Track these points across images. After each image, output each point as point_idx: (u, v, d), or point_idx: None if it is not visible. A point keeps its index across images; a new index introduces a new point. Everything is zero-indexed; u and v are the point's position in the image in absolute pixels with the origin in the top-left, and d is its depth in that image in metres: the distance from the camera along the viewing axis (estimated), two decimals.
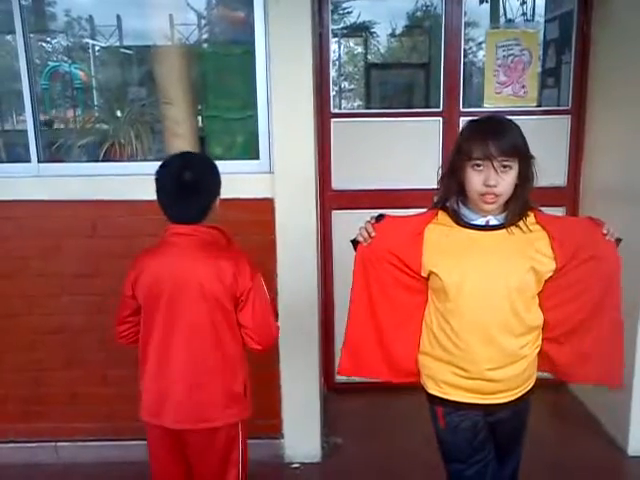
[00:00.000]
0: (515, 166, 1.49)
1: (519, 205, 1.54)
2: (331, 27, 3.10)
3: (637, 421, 2.64)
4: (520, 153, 1.49)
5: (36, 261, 2.59)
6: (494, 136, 1.46)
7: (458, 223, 1.57)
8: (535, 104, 3.11)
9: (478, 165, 1.47)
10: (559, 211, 3.09)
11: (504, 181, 1.47)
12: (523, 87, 3.08)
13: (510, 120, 1.53)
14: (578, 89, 3.07)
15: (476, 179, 1.48)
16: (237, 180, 2.46)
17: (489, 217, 1.55)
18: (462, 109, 3.07)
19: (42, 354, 2.65)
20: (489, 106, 3.08)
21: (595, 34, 2.97)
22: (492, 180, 1.46)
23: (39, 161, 2.59)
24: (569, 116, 3.10)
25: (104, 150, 2.71)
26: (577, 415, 2.98)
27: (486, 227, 1.55)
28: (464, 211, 1.57)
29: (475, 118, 1.56)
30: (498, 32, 3.14)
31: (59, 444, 2.71)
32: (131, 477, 2.57)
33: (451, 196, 1.58)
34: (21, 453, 2.69)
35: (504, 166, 1.47)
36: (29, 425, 2.71)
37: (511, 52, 3.05)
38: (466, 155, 1.49)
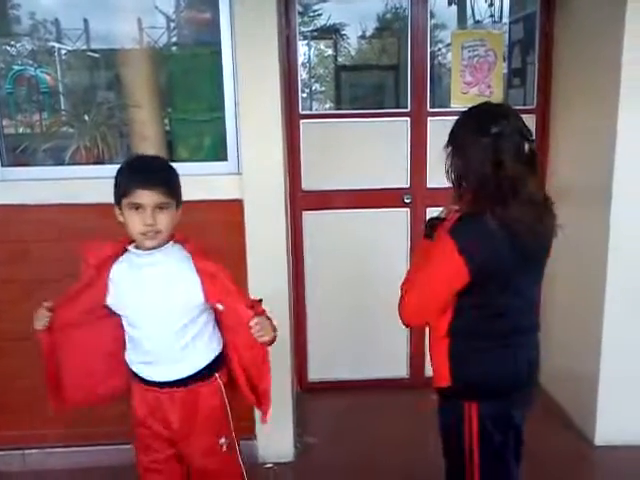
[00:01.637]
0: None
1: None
2: (301, 29, 3.13)
3: (603, 412, 2.70)
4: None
5: (2, 267, 2.56)
6: None
7: None
8: None
9: None
10: None
11: None
12: (489, 87, 3.13)
13: None
14: (542, 89, 3.14)
15: None
16: (205, 181, 2.46)
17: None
18: (429, 109, 3.11)
19: (8, 361, 2.61)
20: (456, 106, 3.12)
21: (557, 35, 3.04)
22: None
23: (3, 165, 2.56)
24: (534, 115, 3.16)
25: (70, 153, 2.68)
26: (545, 407, 3.01)
27: None
28: None
29: None
30: (463, 33, 3.19)
31: (26, 451, 2.67)
32: None
33: None
34: None
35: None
36: None
37: (476, 53, 3.09)
38: None
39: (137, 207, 1.54)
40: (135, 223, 1.55)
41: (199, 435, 1.72)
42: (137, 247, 1.63)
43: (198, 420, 1.71)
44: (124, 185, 1.56)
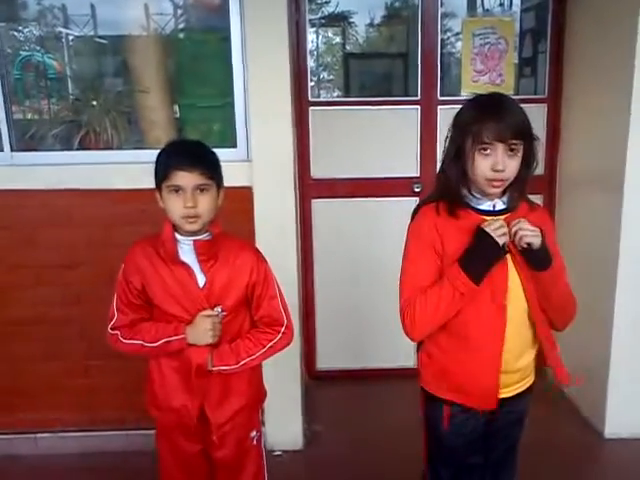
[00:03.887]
0: (521, 148, 1.43)
1: (522, 188, 1.50)
2: (309, 17, 3.11)
3: (613, 404, 2.69)
4: (528, 134, 1.44)
5: (11, 252, 2.55)
6: (503, 116, 1.39)
7: (466, 210, 1.50)
8: (512, 92, 3.12)
9: (485, 149, 1.41)
10: (537, 199, 3.11)
11: (511, 166, 1.42)
12: (500, 75, 3.11)
13: (512, 99, 1.47)
14: (554, 77, 3.11)
15: (484, 164, 1.42)
16: None
17: (496, 201, 1.50)
18: (439, 97, 3.09)
19: (20, 345, 2.61)
20: (466, 95, 3.09)
21: (569, 23, 3.00)
22: (500, 165, 1.40)
23: (12, 150, 2.55)
24: (545, 104, 3.13)
25: (79, 139, 2.68)
26: (554, 399, 3.00)
27: (494, 212, 1.49)
28: (471, 196, 1.51)
29: (472, 97, 1.50)
30: (474, 20, 3.16)
31: (38, 435, 2.68)
32: (110, 468, 2.57)
33: (455, 184, 1.50)
34: None
35: (512, 149, 1.41)
36: (8, 417, 2.67)
37: (487, 40, 3.07)
38: (473, 138, 1.41)
39: (177, 190, 1.51)
40: (176, 206, 1.52)
41: (231, 428, 1.67)
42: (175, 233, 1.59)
43: (231, 407, 1.66)
44: (163, 169, 1.52)
